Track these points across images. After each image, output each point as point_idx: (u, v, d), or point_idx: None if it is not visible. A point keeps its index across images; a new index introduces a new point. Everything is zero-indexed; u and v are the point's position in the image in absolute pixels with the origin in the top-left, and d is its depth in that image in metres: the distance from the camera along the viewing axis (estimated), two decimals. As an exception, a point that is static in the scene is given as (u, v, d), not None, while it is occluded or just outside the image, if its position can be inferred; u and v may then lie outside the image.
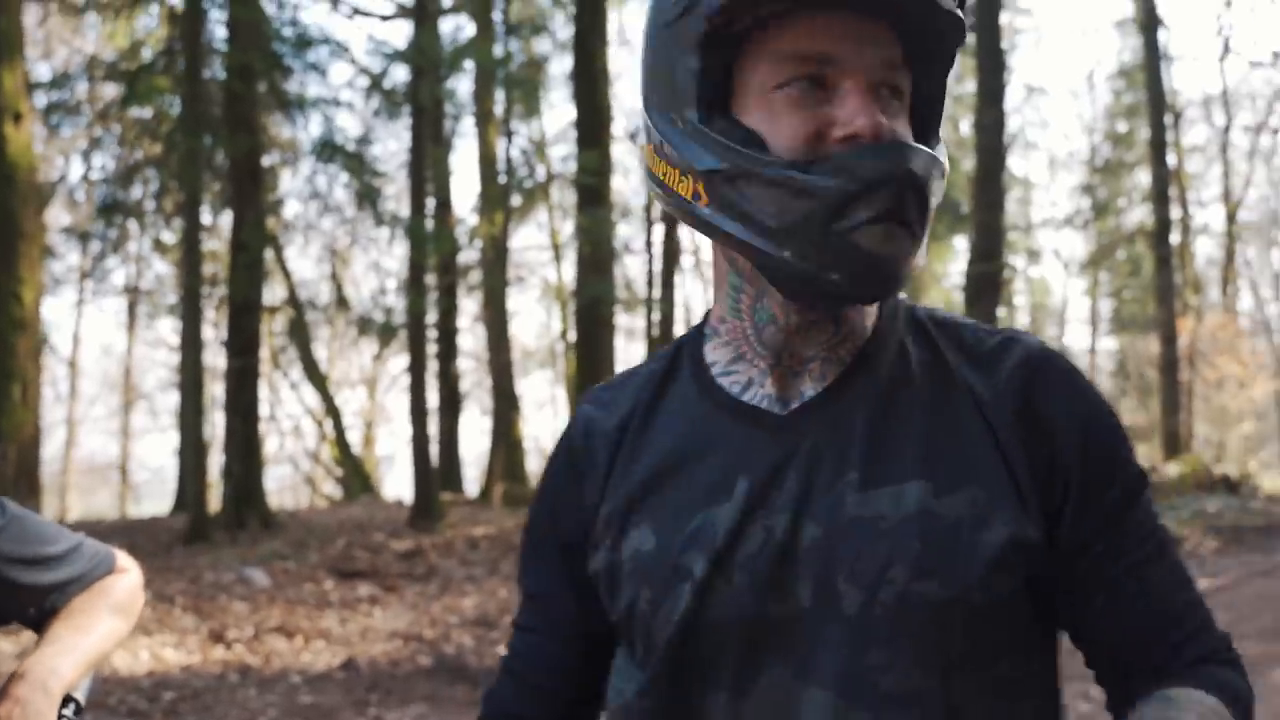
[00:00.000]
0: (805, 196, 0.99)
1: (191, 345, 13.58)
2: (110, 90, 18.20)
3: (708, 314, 1.21)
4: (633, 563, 1.10)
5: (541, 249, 27.95)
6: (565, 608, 1.21)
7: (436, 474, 15.99)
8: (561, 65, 24.03)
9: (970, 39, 19.49)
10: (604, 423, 1.20)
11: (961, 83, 27.00)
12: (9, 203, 11.23)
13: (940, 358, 1.11)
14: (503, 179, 21.40)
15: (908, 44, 1.05)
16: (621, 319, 26.26)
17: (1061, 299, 38.27)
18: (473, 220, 21.40)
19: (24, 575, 1.64)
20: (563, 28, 22.31)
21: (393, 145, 29.48)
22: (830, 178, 0.98)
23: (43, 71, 20.01)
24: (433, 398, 17.88)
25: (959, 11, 1.04)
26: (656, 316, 20.75)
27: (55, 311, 40.87)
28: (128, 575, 1.78)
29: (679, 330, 23.98)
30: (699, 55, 1.03)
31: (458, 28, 20.78)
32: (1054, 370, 1.10)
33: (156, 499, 28.63)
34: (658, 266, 19.11)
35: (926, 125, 1.10)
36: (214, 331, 19.07)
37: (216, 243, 19.19)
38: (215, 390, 18.89)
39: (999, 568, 1.02)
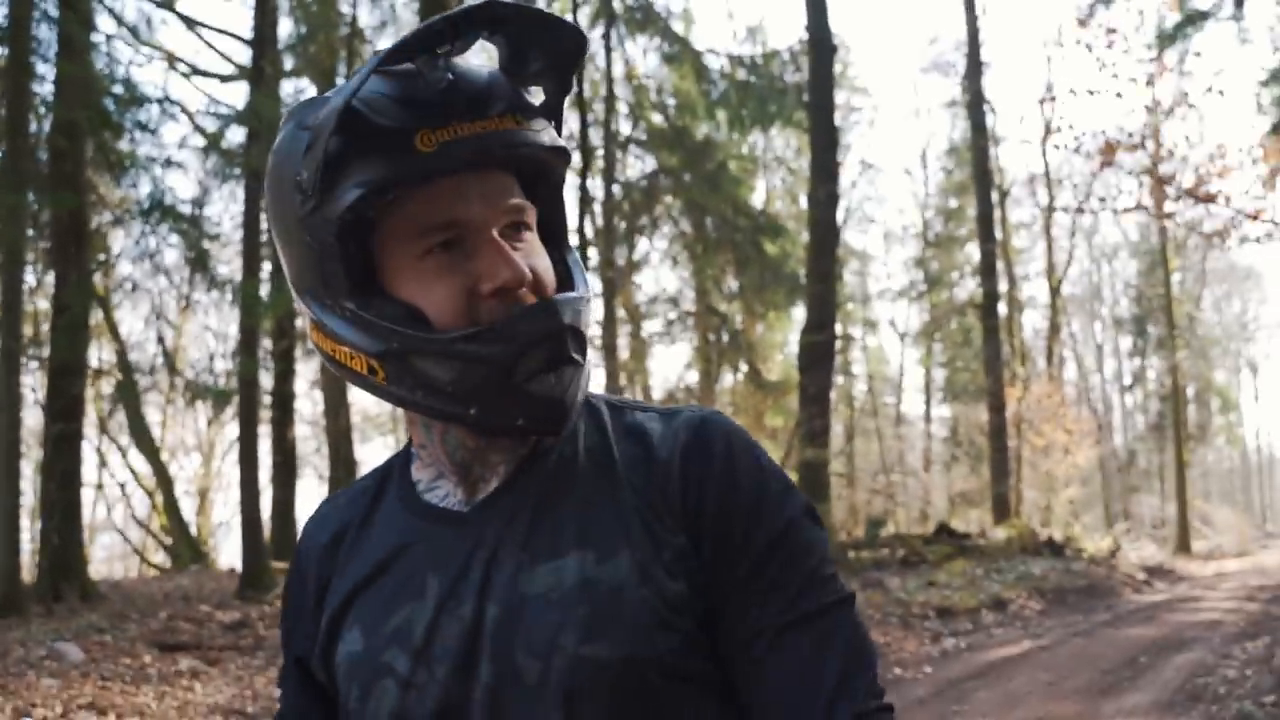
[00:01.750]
0: (478, 364, 1.07)
1: (8, 408, 13.01)
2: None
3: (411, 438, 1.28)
4: (346, 663, 1.17)
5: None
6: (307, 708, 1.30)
7: (269, 542, 15.59)
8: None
9: (803, 116, 20.08)
10: (318, 537, 1.29)
11: (800, 157, 27.78)
12: None
13: (605, 440, 1.19)
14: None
15: (522, 178, 1.16)
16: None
17: (898, 368, 39.37)
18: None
19: None
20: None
21: (233, 206, 28.99)
22: (495, 344, 1.07)
23: None
24: (269, 464, 17.47)
25: (560, 143, 1.16)
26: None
27: None
28: None
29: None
30: (340, 246, 1.08)
31: (299, 90, 20.55)
32: (708, 433, 1.16)
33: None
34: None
35: (556, 236, 1.22)
36: (35, 395, 18.36)
37: (41, 302, 18.51)
38: (37, 455, 18.16)
39: (660, 625, 1.07)
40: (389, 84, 1.09)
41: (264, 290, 14.95)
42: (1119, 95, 18.80)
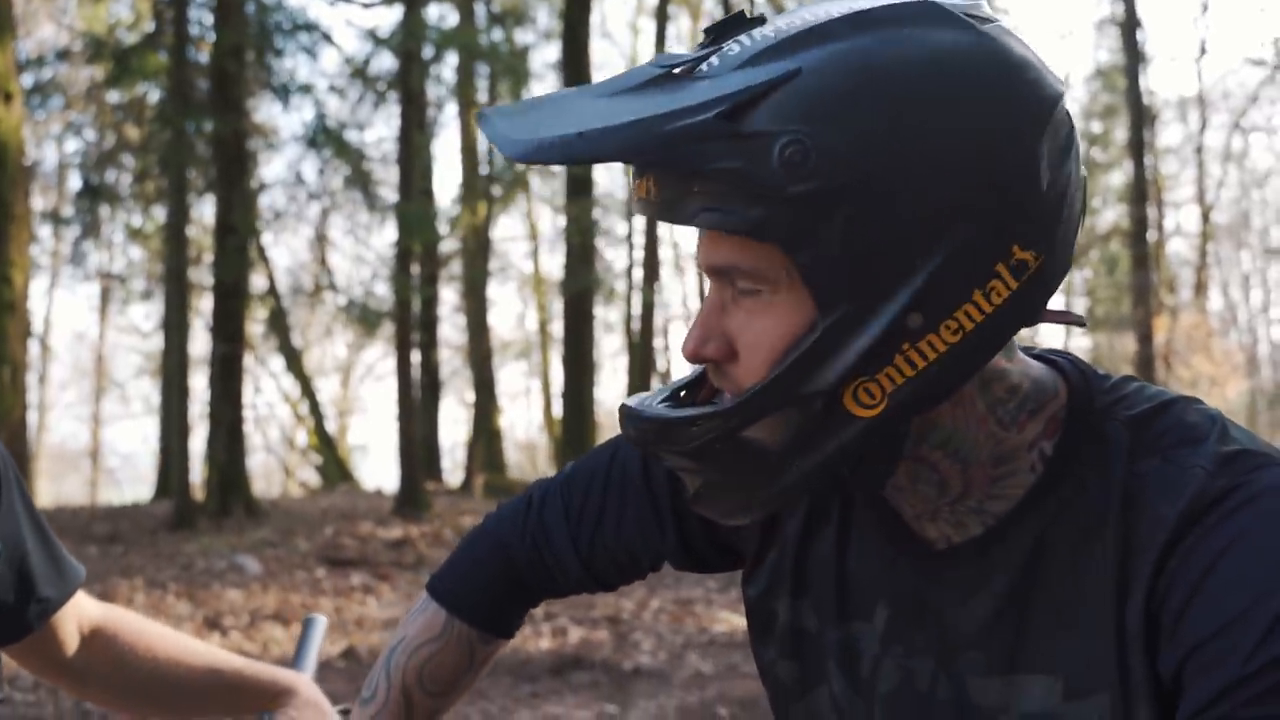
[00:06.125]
0: None
1: (176, 330, 13.44)
2: (87, 73, 18.00)
3: None
4: (792, 628, 1.08)
5: (519, 240, 27.86)
6: (609, 557, 1.22)
7: (420, 463, 15.92)
8: (543, 56, 23.94)
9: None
10: None
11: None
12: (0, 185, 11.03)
13: (1106, 496, 0.90)
14: (485, 169, 21.32)
15: None
16: (598, 310, 26.25)
17: (1034, 296, 38.46)
18: (453, 210, 21.31)
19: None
20: (546, 18, 22.27)
21: (369, 135, 29.28)
22: None
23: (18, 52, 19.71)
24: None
25: (719, 218, 0.80)
26: (636, 310, 20.78)
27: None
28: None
29: (657, 323, 23.97)
30: None
31: (440, 17, 20.63)
32: (1222, 498, 0.84)
33: (127, 486, 28.38)
34: (639, 256, 19.09)
35: (822, 295, 0.82)
36: (191, 318, 18.91)
37: (194, 229, 18.99)
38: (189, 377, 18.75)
39: None
40: None
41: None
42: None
